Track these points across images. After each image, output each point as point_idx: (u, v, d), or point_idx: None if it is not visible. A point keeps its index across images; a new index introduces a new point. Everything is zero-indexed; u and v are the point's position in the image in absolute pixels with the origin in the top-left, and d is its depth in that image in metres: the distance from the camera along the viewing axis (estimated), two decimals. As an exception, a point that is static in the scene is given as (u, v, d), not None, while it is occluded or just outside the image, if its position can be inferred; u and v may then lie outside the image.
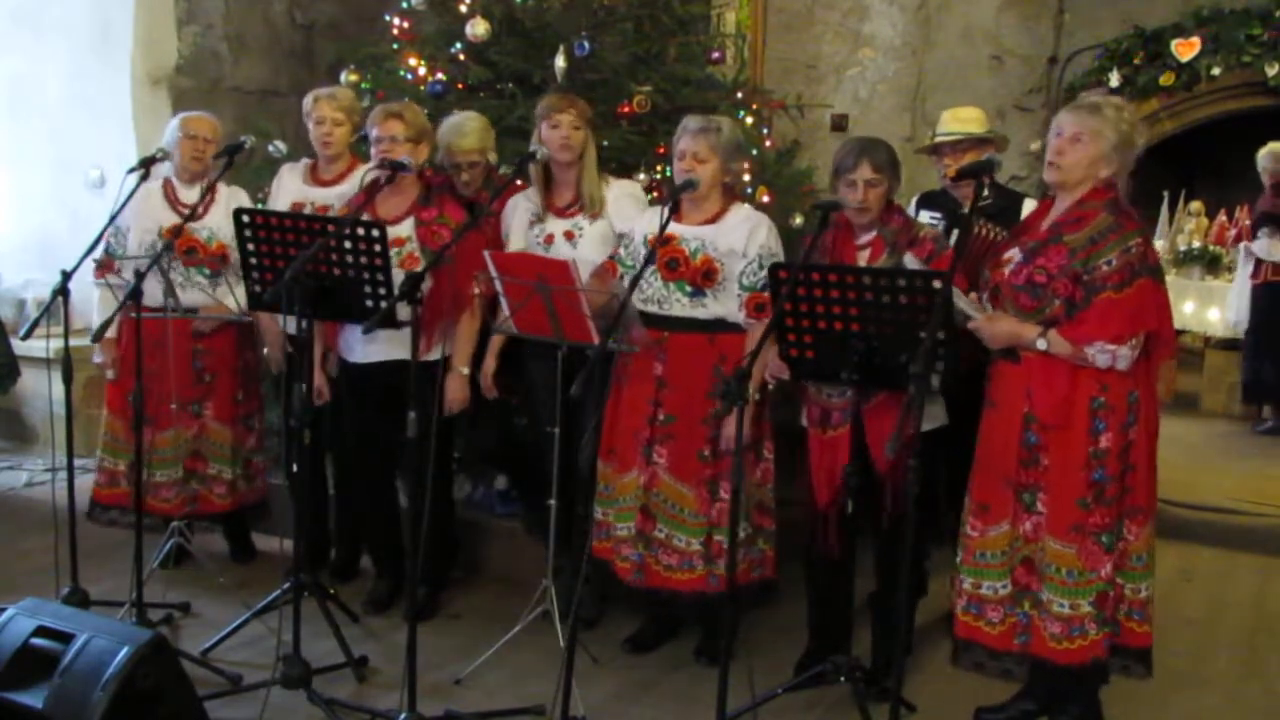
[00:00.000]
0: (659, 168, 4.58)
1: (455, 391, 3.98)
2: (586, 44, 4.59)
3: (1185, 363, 8.10)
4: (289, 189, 4.41)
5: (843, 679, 3.46)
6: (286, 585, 3.63)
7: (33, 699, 2.81)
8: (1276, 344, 7.20)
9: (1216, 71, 6.66)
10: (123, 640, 2.81)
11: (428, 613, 4.13)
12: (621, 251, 3.88)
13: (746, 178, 4.62)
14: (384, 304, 3.39)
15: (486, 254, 3.68)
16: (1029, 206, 4.19)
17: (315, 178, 4.41)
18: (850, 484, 3.39)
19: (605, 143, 4.49)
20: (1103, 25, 6.95)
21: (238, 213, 3.64)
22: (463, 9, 4.86)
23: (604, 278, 3.81)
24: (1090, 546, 3.16)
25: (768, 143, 5.34)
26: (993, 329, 3.23)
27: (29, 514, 5.21)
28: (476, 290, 3.93)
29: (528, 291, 3.54)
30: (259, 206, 4.47)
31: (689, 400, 3.72)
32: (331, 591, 4.05)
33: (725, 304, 3.70)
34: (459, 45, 4.86)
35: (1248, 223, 7.69)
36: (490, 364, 4.09)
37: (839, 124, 7.46)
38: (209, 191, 4.31)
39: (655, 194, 4.39)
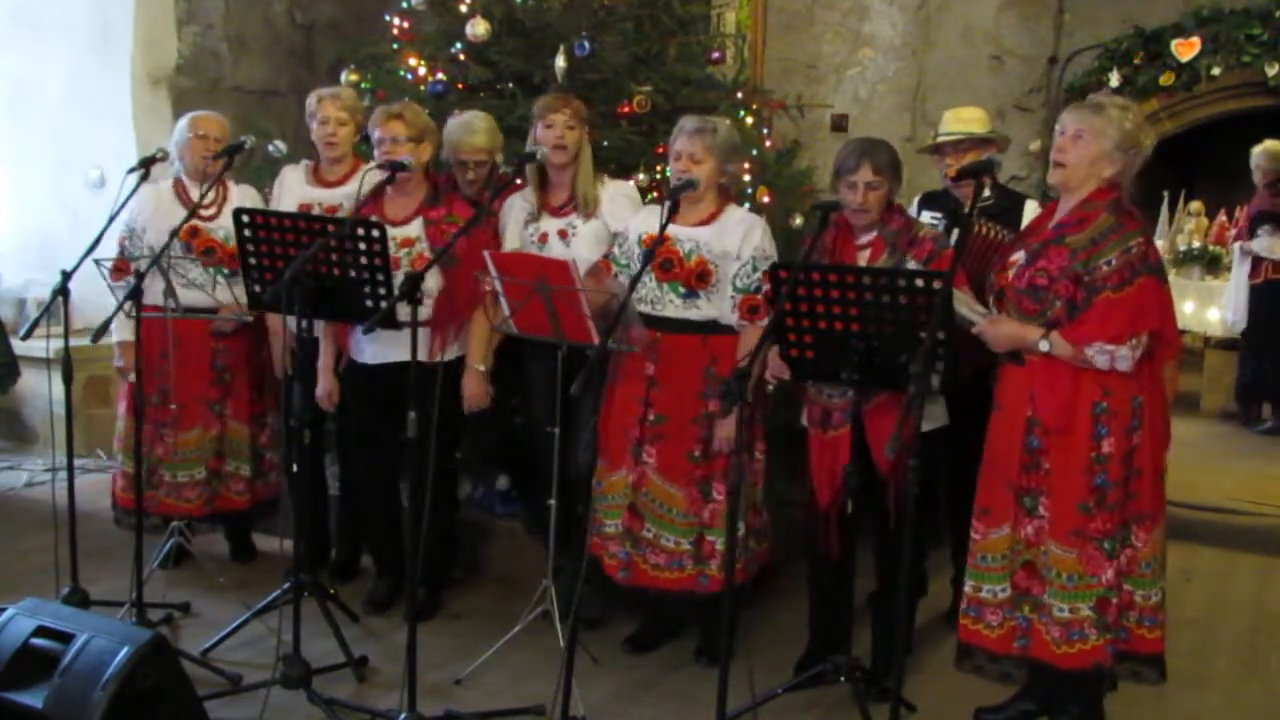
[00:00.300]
0: (659, 168, 4.58)
1: (474, 388, 3.99)
2: (586, 44, 4.59)
3: (1185, 363, 8.09)
4: (293, 190, 4.40)
5: (843, 679, 3.46)
6: (286, 585, 3.63)
7: (33, 699, 2.81)
8: (1277, 343, 7.20)
9: (1216, 71, 6.66)
10: (123, 640, 2.81)
11: (428, 613, 4.13)
12: (616, 251, 3.88)
13: (746, 178, 4.62)
14: (384, 304, 3.39)
15: (486, 254, 3.68)
16: (1031, 207, 4.20)
17: (319, 178, 4.41)
18: (851, 484, 3.39)
19: (605, 143, 4.49)
20: (1103, 25, 6.94)
21: (237, 212, 3.64)
22: (463, 9, 4.86)
23: (599, 277, 3.81)
24: (1091, 551, 3.14)
25: (768, 143, 5.34)
26: (995, 331, 3.23)
27: (29, 514, 5.21)
28: (488, 287, 3.94)
29: (528, 291, 3.54)
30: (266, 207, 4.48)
31: (680, 400, 3.72)
32: (331, 591, 4.05)
33: (718, 305, 3.70)
34: (459, 45, 4.86)
35: (1225, 222, 7.68)
36: (488, 363, 4.09)
37: (839, 124, 7.46)
38: (213, 187, 4.30)
39: (655, 194, 4.40)
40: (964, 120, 4.39)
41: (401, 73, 4.95)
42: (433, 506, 3.44)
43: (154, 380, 4.26)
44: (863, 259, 3.51)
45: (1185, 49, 6.70)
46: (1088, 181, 3.18)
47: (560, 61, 4.57)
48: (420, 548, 3.27)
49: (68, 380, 3.87)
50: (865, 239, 3.55)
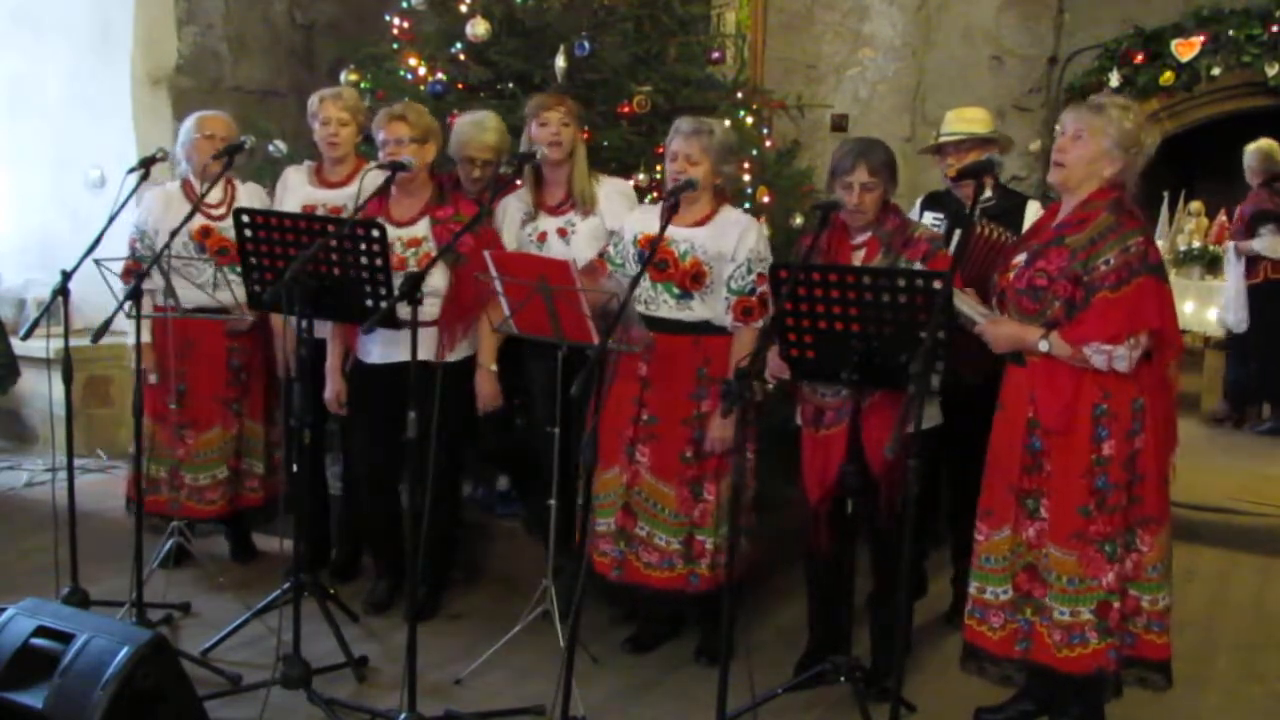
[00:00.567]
0: (659, 168, 4.58)
1: (486, 388, 4.00)
2: (586, 44, 4.59)
3: (1185, 363, 8.09)
4: (296, 191, 4.41)
5: (843, 679, 3.46)
6: (286, 585, 3.63)
7: (33, 699, 2.81)
8: (1276, 344, 7.19)
9: (1216, 71, 6.66)
10: (123, 640, 2.81)
11: (428, 613, 4.13)
12: (611, 250, 3.88)
13: (746, 178, 4.62)
14: (384, 304, 3.39)
15: (486, 254, 3.68)
16: (1033, 208, 4.19)
17: (322, 179, 4.42)
18: (851, 484, 3.39)
19: (605, 143, 4.49)
20: (1103, 25, 6.94)
21: (238, 212, 3.64)
22: (463, 9, 4.86)
23: (593, 276, 3.81)
24: (1092, 554, 3.13)
25: (768, 143, 5.34)
26: (995, 332, 3.22)
27: (29, 514, 5.20)
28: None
29: (528, 292, 3.54)
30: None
31: (672, 401, 3.72)
32: (331, 591, 4.05)
33: (712, 307, 3.70)
34: (459, 45, 4.86)
35: (1226, 222, 7.67)
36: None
37: (839, 124, 7.45)
38: (219, 186, 4.30)
39: (655, 194, 4.40)
40: (967, 120, 4.39)
41: (401, 73, 4.95)
42: (436, 506, 3.44)
43: (168, 381, 4.28)
44: (857, 259, 3.52)
45: (1185, 49, 6.70)
46: (1088, 181, 3.18)
47: (560, 61, 4.57)
48: (420, 548, 3.28)
49: (68, 380, 3.87)
50: (860, 239, 3.55)
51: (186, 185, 4.42)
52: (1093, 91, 6.13)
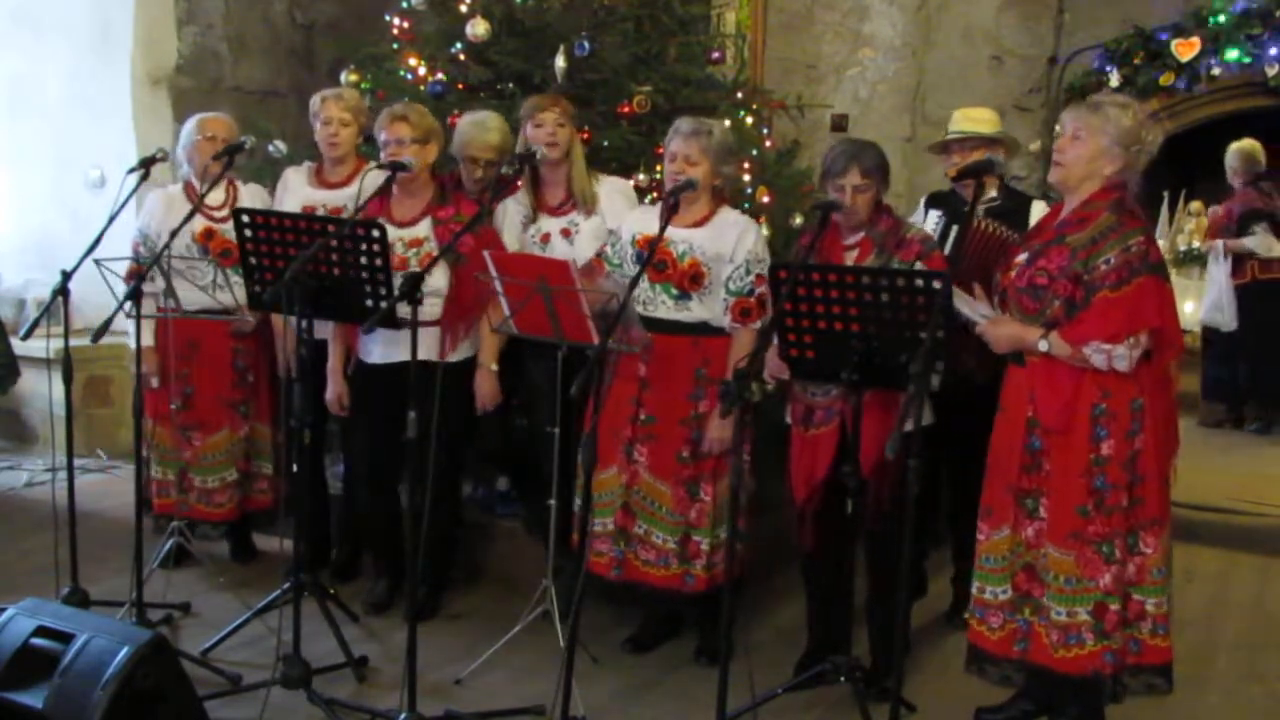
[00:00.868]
0: (659, 168, 4.58)
1: (486, 388, 4.00)
2: (586, 44, 4.59)
3: (1185, 363, 8.09)
4: (296, 192, 4.41)
5: (843, 679, 3.46)
6: (286, 585, 3.63)
7: (33, 699, 2.81)
8: (1267, 343, 7.18)
9: (1216, 72, 6.66)
10: (123, 640, 2.81)
11: (428, 613, 4.13)
12: (608, 250, 3.88)
13: (746, 178, 4.62)
14: (384, 304, 3.39)
15: (486, 254, 3.68)
16: (1038, 208, 4.18)
17: (322, 180, 4.42)
18: (850, 484, 3.39)
19: (605, 143, 4.49)
20: (1103, 25, 6.94)
21: (237, 212, 3.64)
22: (463, 9, 4.86)
23: (591, 276, 3.81)
24: (1089, 555, 3.13)
25: (768, 143, 5.34)
26: (996, 332, 3.23)
27: (29, 514, 5.20)
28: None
29: (528, 292, 3.55)
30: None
31: (670, 402, 3.72)
32: (331, 591, 4.05)
33: (710, 308, 3.70)
34: (459, 45, 4.86)
35: (1221, 222, 7.64)
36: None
37: (839, 124, 7.44)
38: (221, 187, 4.30)
39: (655, 194, 4.40)
40: (973, 120, 4.39)
41: (401, 73, 4.95)
42: (436, 506, 3.44)
43: (172, 383, 4.28)
44: (850, 259, 3.52)
45: (1185, 49, 6.70)
46: (1088, 180, 3.18)
47: (560, 61, 4.57)
48: (420, 548, 3.28)
49: (68, 380, 3.87)
50: (853, 239, 3.55)
51: (188, 188, 4.42)
52: (1093, 91, 6.13)
